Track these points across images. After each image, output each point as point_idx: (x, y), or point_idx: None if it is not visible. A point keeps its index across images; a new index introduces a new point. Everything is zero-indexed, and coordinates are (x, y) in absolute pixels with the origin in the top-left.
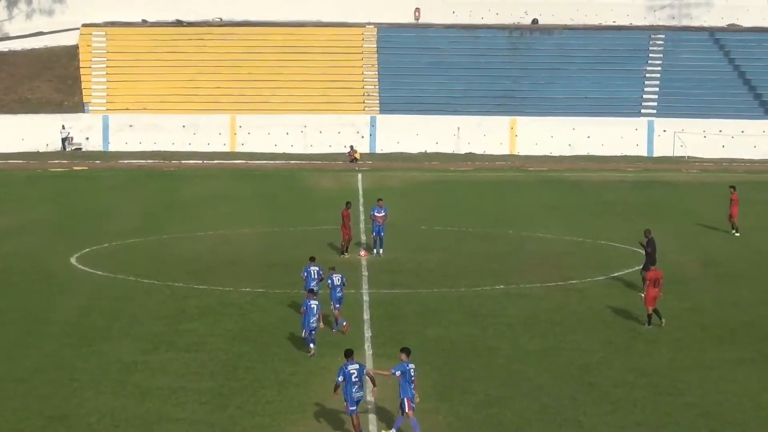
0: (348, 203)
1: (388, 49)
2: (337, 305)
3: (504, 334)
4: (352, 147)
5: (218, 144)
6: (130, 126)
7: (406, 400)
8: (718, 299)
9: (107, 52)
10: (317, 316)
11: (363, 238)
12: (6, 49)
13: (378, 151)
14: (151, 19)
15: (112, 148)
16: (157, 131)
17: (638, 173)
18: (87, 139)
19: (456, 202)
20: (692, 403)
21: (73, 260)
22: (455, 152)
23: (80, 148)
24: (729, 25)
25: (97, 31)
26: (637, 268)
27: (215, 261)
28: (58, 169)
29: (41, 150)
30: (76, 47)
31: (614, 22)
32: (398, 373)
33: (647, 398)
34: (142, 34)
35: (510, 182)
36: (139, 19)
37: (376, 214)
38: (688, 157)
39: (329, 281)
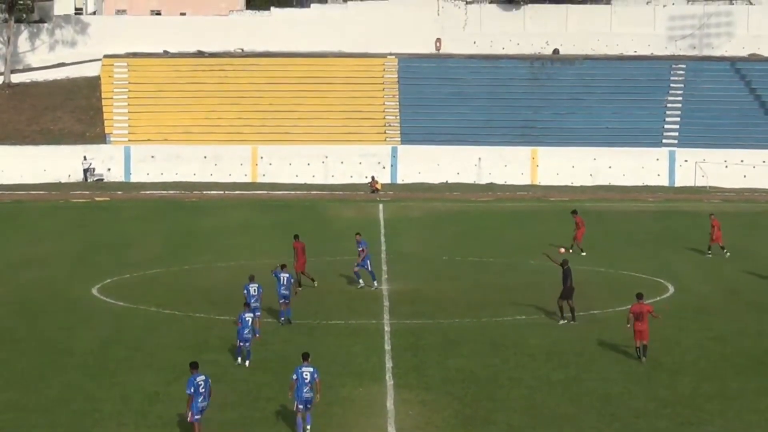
0: (296, 235)
1: (409, 79)
2: (282, 300)
3: (526, 364)
4: (373, 177)
5: (240, 175)
6: (152, 157)
7: (296, 402)
8: (740, 329)
9: (129, 83)
10: (250, 327)
11: (384, 267)
12: (28, 80)
13: (399, 181)
14: (172, 50)
15: (133, 179)
16: (178, 162)
17: (660, 203)
18: (108, 170)
19: (477, 233)
20: None
21: (94, 291)
22: (476, 182)
23: (102, 179)
24: (750, 54)
25: (119, 62)
26: (658, 298)
27: (237, 292)
28: (80, 200)
29: (63, 181)
30: (98, 78)
31: (635, 52)
32: (294, 377)
33: (669, 428)
34: (164, 65)
35: (531, 212)
36: (160, 50)
37: (358, 249)
38: (710, 187)
39: (275, 275)
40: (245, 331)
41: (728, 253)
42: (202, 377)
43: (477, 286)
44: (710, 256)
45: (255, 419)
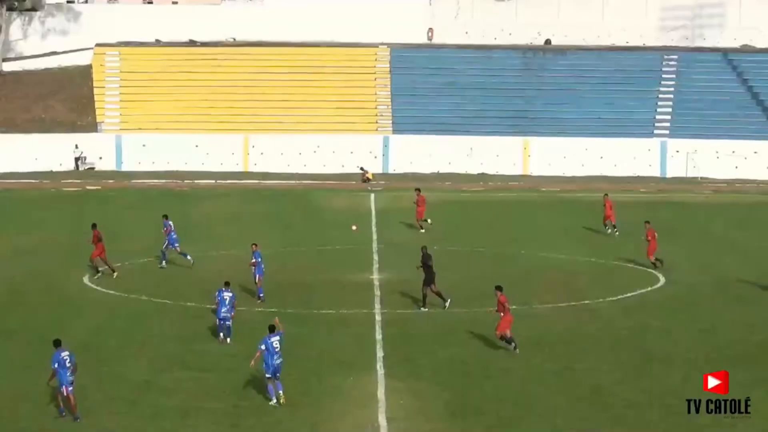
0: (94, 224)
1: (401, 69)
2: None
3: (516, 354)
4: (362, 168)
5: (231, 164)
6: (143, 146)
7: (265, 370)
8: (731, 320)
9: (121, 71)
10: (228, 306)
11: (376, 257)
12: (20, 69)
13: (391, 171)
14: (164, 39)
15: (125, 167)
16: (170, 151)
17: (651, 194)
18: (100, 158)
19: (469, 223)
20: (706, 424)
21: (85, 280)
22: (468, 172)
23: (93, 168)
24: (742, 45)
25: (111, 51)
26: (650, 288)
27: (228, 281)
28: (71, 189)
29: (54, 169)
30: (89, 67)
31: (627, 42)
32: (262, 347)
33: (660, 419)
34: (156, 54)
35: (523, 202)
36: (152, 39)
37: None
38: (701, 177)
39: (254, 257)
40: (223, 310)
41: (617, 233)
42: (66, 353)
43: (468, 276)
44: (610, 232)
45: (244, 408)
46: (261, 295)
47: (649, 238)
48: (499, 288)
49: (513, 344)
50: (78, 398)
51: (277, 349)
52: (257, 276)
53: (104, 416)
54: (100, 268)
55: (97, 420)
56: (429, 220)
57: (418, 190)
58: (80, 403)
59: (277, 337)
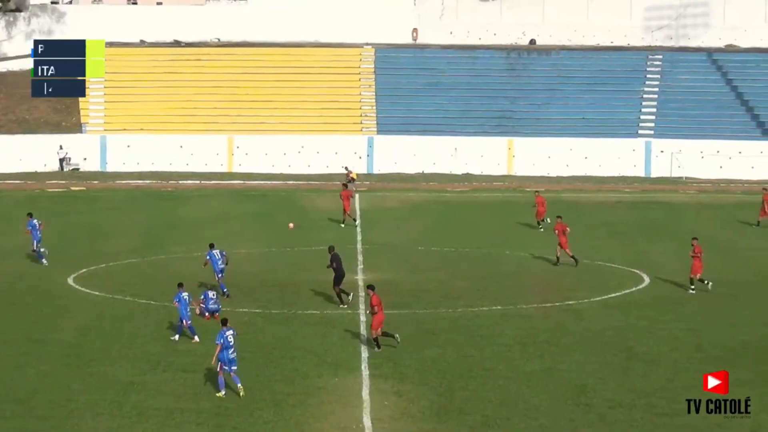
0: None
1: (385, 69)
2: (220, 275)
3: (501, 354)
4: (346, 168)
5: (216, 164)
6: (128, 146)
7: (220, 363)
8: (715, 320)
9: (105, 72)
10: (189, 306)
11: (360, 258)
12: (4, 70)
13: (375, 171)
14: (149, 39)
15: (109, 168)
16: (154, 152)
17: (636, 194)
18: (85, 159)
19: (453, 223)
20: (690, 424)
21: (70, 281)
22: (452, 173)
23: (78, 169)
24: (727, 45)
25: None
26: (634, 288)
27: (213, 281)
28: (56, 190)
29: (39, 170)
30: None
31: (612, 42)
32: (220, 341)
33: (645, 419)
34: (140, 55)
35: (507, 203)
36: (137, 40)
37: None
38: (686, 177)
39: (208, 256)
40: (187, 309)
41: (542, 229)
42: None
43: (453, 277)
44: (542, 229)
45: (230, 408)
46: (225, 290)
47: (557, 232)
48: (371, 287)
49: (377, 344)
50: (64, 399)
51: (231, 343)
52: (217, 274)
53: (89, 417)
54: None
55: (83, 421)
56: (356, 219)
57: (345, 185)
58: (66, 404)
59: (231, 332)
